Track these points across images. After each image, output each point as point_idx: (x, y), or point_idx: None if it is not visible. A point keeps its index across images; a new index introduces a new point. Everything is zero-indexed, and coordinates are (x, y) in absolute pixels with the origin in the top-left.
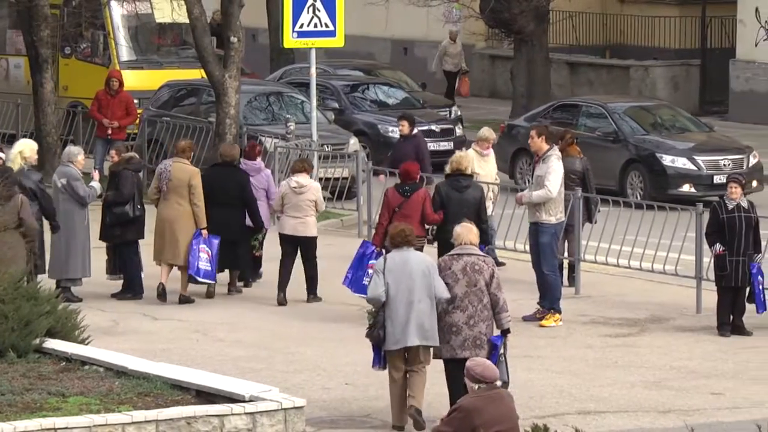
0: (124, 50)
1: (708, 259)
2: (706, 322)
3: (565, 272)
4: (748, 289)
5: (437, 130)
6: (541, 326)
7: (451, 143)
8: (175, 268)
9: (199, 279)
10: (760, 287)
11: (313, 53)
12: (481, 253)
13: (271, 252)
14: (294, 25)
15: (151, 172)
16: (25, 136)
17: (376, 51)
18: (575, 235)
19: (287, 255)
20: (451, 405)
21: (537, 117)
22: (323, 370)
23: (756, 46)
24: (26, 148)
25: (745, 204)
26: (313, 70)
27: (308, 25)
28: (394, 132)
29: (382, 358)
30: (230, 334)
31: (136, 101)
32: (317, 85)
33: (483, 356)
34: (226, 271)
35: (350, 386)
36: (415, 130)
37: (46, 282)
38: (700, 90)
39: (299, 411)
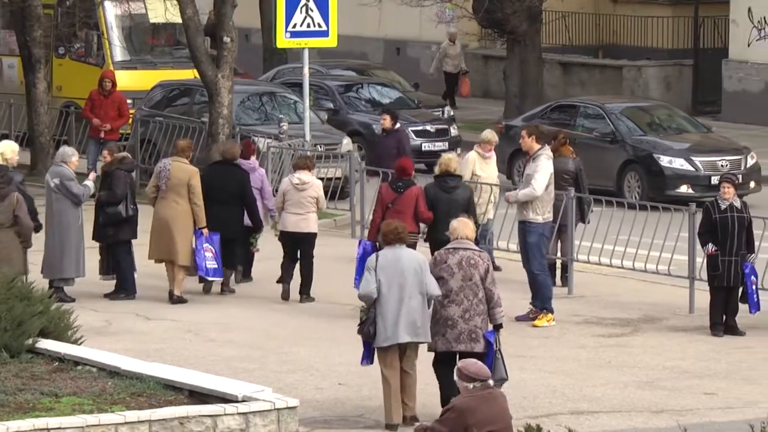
0: (117, 50)
1: (701, 259)
2: (699, 322)
3: (558, 272)
4: (740, 289)
5: (432, 130)
6: (534, 326)
7: (446, 143)
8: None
9: (209, 278)
10: (753, 287)
11: (306, 53)
12: (477, 248)
13: (266, 251)
14: (287, 25)
15: (144, 172)
16: (18, 137)
17: (369, 51)
18: (568, 235)
19: (289, 251)
20: (442, 397)
21: (534, 117)
22: (316, 370)
23: (749, 46)
24: (7, 150)
25: (737, 204)
26: (306, 70)
27: (301, 25)
28: None
29: (371, 354)
30: (223, 334)
31: (129, 101)
32: (312, 85)
33: (479, 349)
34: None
35: (343, 386)
36: (398, 125)
37: (39, 282)
38: (693, 90)
39: (292, 411)
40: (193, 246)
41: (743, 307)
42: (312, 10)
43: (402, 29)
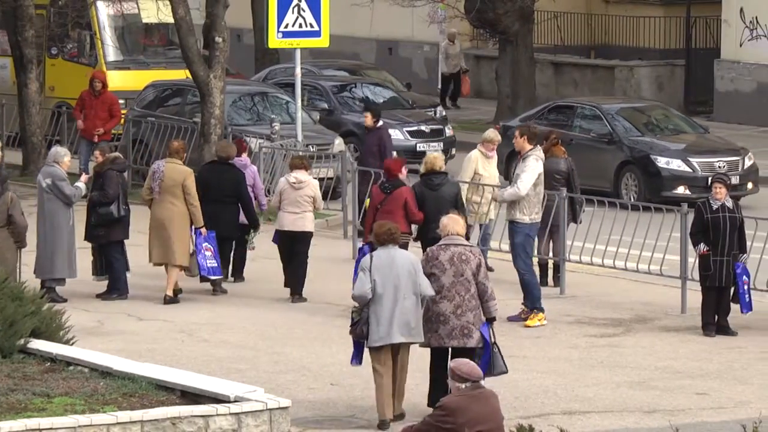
0: (110, 50)
1: (693, 260)
2: (691, 323)
3: (551, 272)
4: (732, 289)
5: (427, 130)
6: (526, 326)
7: (441, 144)
8: (162, 268)
9: (211, 278)
10: (745, 287)
11: (298, 53)
12: (468, 243)
13: (260, 251)
14: (279, 25)
15: (136, 173)
16: (10, 137)
17: (361, 51)
18: (560, 235)
19: (286, 250)
20: (432, 389)
21: (532, 118)
22: (308, 370)
23: (741, 46)
24: None
25: (729, 204)
26: (298, 71)
27: (293, 26)
28: None
29: (361, 354)
30: (215, 335)
31: (122, 101)
32: (306, 85)
33: (472, 344)
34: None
35: (336, 386)
36: (380, 123)
37: (31, 282)
38: (685, 90)
39: (284, 411)
40: (193, 246)
41: (735, 307)
42: (304, 11)
43: (394, 29)
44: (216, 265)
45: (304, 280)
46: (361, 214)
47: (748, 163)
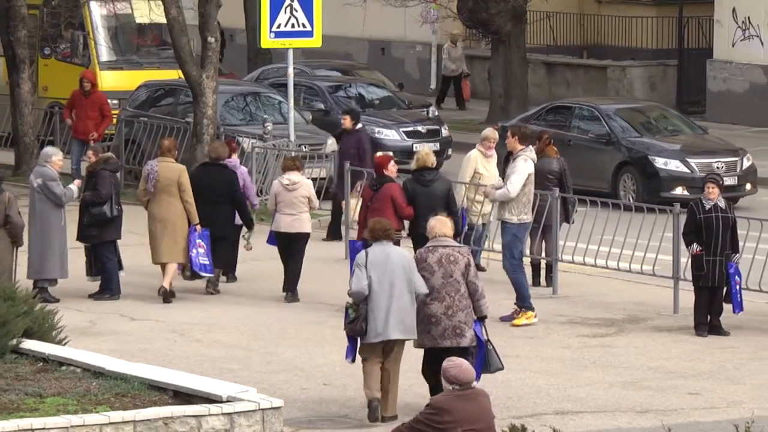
0: (103, 51)
1: (685, 260)
2: (684, 323)
3: (543, 272)
4: (725, 289)
5: (423, 131)
6: (514, 325)
7: (437, 144)
8: (157, 267)
9: (202, 274)
10: (737, 287)
11: (291, 53)
12: (456, 244)
13: (253, 252)
14: (271, 25)
15: (129, 173)
16: (2, 137)
17: (353, 51)
18: (553, 235)
19: (284, 252)
20: (431, 394)
21: (530, 119)
22: (301, 370)
23: (733, 46)
24: None
25: (722, 204)
26: (291, 71)
27: (285, 26)
28: (380, 133)
29: (355, 350)
30: (208, 335)
31: (116, 102)
32: (302, 85)
33: (465, 344)
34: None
35: (328, 386)
36: (359, 125)
37: (23, 282)
38: (677, 90)
39: (277, 411)
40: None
41: (727, 307)
42: (296, 11)
43: (386, 29)
44: (207, 262)
45: (298, 280)
46: (344, 215)
47: (746, 163)
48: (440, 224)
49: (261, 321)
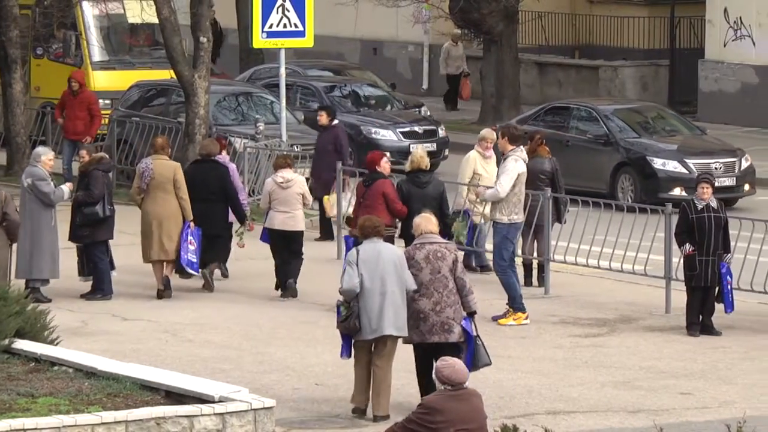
0: (96, 51)
1: (677, 259)
2: (676, 322)
3: (535, 272)
4: (717, 289)
5: (420, 131)
6: (499, 324)
7: (434, 144)
8: (148, 266)
9: (188, 270)
10: (729, 287)
11: (283, 53)
12: (443, 241)
13: (245, 250)
14: (263, 25)
15: (121, 173)
16: None
17: (345, 51)
18: (545, 235)
19: (278, 249)
20: (421, 389)
21: (528, 120)
22: (293, 370)
23: (725, 46)
24: None
25: (714, 204)
26: (283, 71)
27: (277, 26)
28: (377, 133)
29: (350, 347)
30: (199, 335)
31: (107, 102)
32: (298, 86)
33: (453, 339)
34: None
35: (320, 386)
36: (335, 122)
37: (15, 282)
38: (669, 90)
39: (269, 411)
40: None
41: (719, 307)
42: (288, 11)
43: (378, 29)
44: (195, 260)
45: (298, 275)
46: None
47: (744, 164)
48: (425, 221)
49: (253, 321)
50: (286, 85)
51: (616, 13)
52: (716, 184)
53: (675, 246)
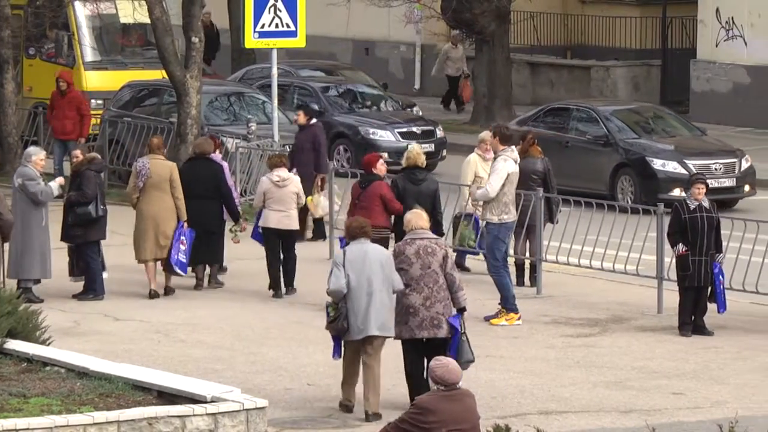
0: (88, 51)
1: (669, 259)
2: (668, 322)
3: (527, 272)
4: (709, 289)
5: (418, 131)
6: (491, 324)
7: (432, 145)
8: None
9: (176, 270)
10: (722, 287)
11: (275, 53)
12: (434, 236)
13: (237, 251)
14: (255, 25)
15: (113, 173)
16: None
17: (337, 51)
18: (537, 235)
19: (273, 249)
20: (410, 389)
21: (528, 121)
22: (285, 370)
23: (716, 46)
24: None
25: (706, 204)
26: (275, 71)
27: (269, 26)
28: (375, 134)
29: (341, 348)
30: (192, 335)
31: (100, 102)
32: (295, 86)
33: (442, 335)
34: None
35: (312, 387)
36: (313, 121)
37: (7, 282)
38: (661, 90)
39: (261, 412)
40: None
41: (711, 307)
42: (280, 11)
43: (370, 29)
44: (185, 260)
45: (294, 275)
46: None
47: (744, 165)
48: (416, 217)
49: (245, 321)
50: (283, 85)
51: (608, 13)
52: (716, 185)
53: (667, 246)
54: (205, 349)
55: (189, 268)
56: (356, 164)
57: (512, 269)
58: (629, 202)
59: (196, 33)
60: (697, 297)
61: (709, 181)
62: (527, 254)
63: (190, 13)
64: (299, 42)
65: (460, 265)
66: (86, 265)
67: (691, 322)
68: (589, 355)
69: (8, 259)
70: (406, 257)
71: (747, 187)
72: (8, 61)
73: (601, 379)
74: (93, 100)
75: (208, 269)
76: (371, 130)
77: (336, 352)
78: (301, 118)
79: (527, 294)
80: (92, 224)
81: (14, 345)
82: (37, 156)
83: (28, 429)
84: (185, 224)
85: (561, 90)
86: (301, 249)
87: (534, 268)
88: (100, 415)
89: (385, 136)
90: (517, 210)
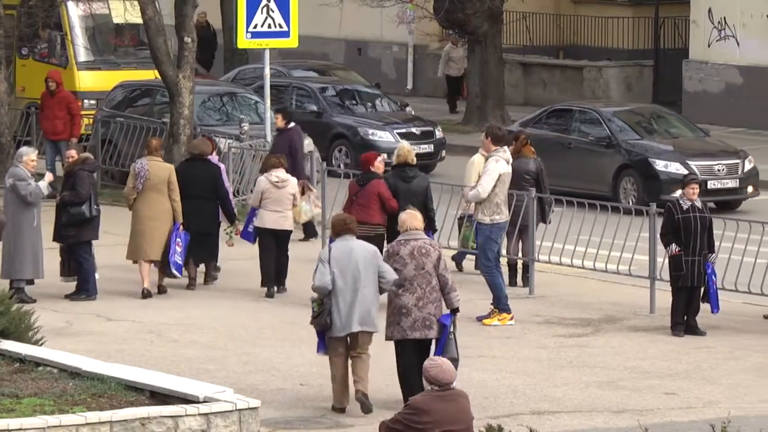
0: (81, 51)
1: (662, 259)
2: (660, 322)
3: (520, 272)
4: (702, 289)
5: (417, 132)
6: (483, 324)
7: (432, 146)
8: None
9: (174, 272)
10: (715, 287)
11: (267, 54)
12: (428, 238)
13: (229, 252)
14: (248, 25)
15: (105, 173)
16: None
17: (330, 51)
18: (529, 235)
19: (268, 248)
20: (402, 385)
21: (531, 122)
22: (278, 370)
23: (709, 46)
24: None
25: (699, 204)
26: (267, 71)
27: (262, 26)
28: (374, 135)
29: (326, 343)
30: (184, 335)
31: (93, 102)
32: (294, 87)
33: (433, 336)
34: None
35: (305, 387)
36: (291, 124)
37: (1, 282)
38: (653, 90)
39: (254, 412)
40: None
41: (704, 307)
42: (273, 11)
43: (363, 30)
44: (180, 262)
45: (287, 274)
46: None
47: (748, 166)
48: (411, 218)
49: (238, 321)
50: (282, 86)
51: (601, 13)
52: (719, 187)
53: (659, 246)
54: (198, 349)
55: (183, 269)
56: (355, 165)
57: (505, 269)
58: (632, 203)
59: (188, 33)
60: (690, 297)
61: (712, 182)
62: (520, 254)
63: (183, 12)
64: (292, 42)
65: (458, 265)
66: (78, 266)
67: (683, 322)
68: (581, 355)
69: (0, 260)
70: (401, 257)
71: (750, 189)
72: (1, 61)
73: (593, 379)
74: (86, 101)
75: (201, 267)
76: (370, 131)
77: (320, 348)
78: (279, 121)
79: (520, 294)
80: (85, 224)
81: (7, 345)
82: (29, 156)
83: (20, 429)
84: (180, 227)
85: (553, 90)
86: (293, 249)
87: (526, 268)
88: (93, 416)
89: (384, 137)
90: (509, 210)
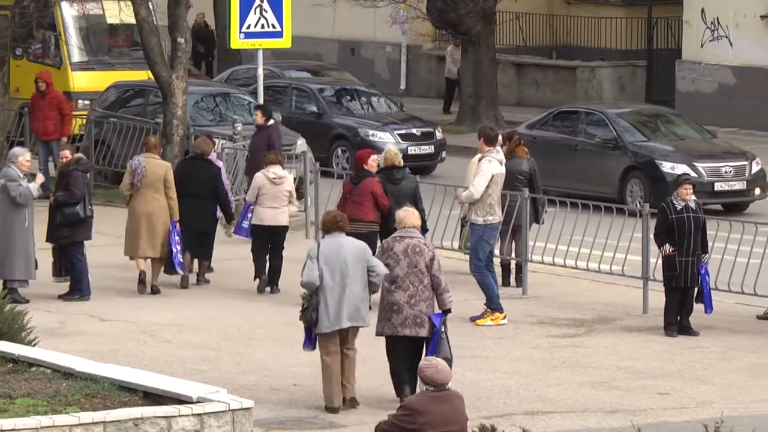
0: (75, 51)
1: (655, 260)
2: (653, 323)
3: (513, 273)
4: (696, 290)
5: (418, 133)
6: (476, 324)
7: (432, 147)
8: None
9: (178, 270)
10: (708, 287)
11: (260, 54)
12: (423, 237)
13: (222, 252)
14: (241, 26)
15: (98, 173)
16: None
17: (323, 52)
18: (522, 235)
19: (262, 245)
20: (394, 383)
21: (537, 124)
22: (271, 371)
23: (702, 47)
24: None
25: (692, 205)
26: (260, 71)
27: (255, 26)
28: (374, 136)
29: (312, 339)
30: (178, 335)
31: (87, 102)
32: (294, 88)
33: (423, 334)
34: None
35: (298, 387)
36: (271, 122)
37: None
38: (646, 91)
39: (247, 412)
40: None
41: (697, 307)
42: (266, 11)
43: (356, 30)
44: (182, 260)
45: (281, 273)
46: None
47: (755, 168)
48: (409, 216)
49: (231, 321)
50: (281, 86)
51: (594, 13)
52: (726, 188)
53: (653, 246)
54: (191, 349)
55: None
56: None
57: (498, 270)
58: (639, 205)
59: (181, 33)
60: (683, 297)
61: (719, 184)
62: (513, 255)
63: (176, 13)
64: (285, 42)
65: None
66: (72, 266)
67: (676, 322)
68: (574, 355)
69: None
70: (394, 254)
71: (758, 191)
72: None
73: (586, 380)
74: (80, 101)
75: (195, 263)
76: (371, 132)
77: (306, 344)
78: (259, 118)
79: (513, 294)
80: (79, 224)
81: (0, 346)
82: (23, 157)
83: (14, 430)
84: (178, 224)
85: (547, 90)
86: (288, 248)
87: (520, 269)
88: (86, 416)
89: (384, 138)
90: (503, 210)
